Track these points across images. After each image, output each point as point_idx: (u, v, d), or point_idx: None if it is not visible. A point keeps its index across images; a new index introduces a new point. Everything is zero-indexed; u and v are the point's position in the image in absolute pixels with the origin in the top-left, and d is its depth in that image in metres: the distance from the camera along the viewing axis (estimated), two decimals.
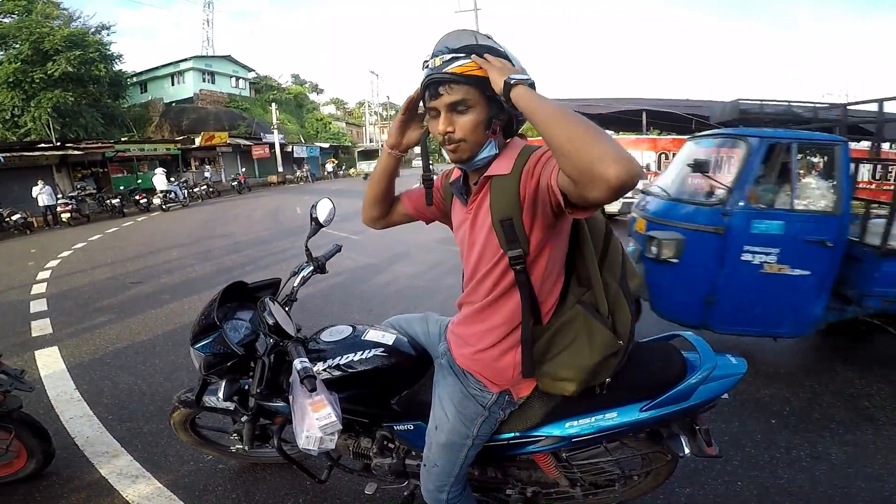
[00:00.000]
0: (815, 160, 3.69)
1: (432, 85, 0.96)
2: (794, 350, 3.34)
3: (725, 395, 1.26)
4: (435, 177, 1.27)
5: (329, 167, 30.85)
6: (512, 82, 0.86)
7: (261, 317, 1.36)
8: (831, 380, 2.89)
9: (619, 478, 1.52)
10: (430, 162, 1.17)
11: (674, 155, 13.96)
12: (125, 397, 2.87)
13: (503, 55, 0.97)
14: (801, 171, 3.18)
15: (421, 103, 1.05)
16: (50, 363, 3.41)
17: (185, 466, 2.18)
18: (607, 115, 15.21)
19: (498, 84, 0.89)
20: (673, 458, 1.45)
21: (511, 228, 1.01)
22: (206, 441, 2.11)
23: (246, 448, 1.69)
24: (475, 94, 0.95)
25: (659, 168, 13.68)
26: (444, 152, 1.07)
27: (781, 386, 2.80)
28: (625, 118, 15.08)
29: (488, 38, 0.99)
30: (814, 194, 2.94)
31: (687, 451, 1.28)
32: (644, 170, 9.13)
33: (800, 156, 3.00)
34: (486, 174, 1.05)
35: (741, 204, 2.80)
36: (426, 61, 0.98)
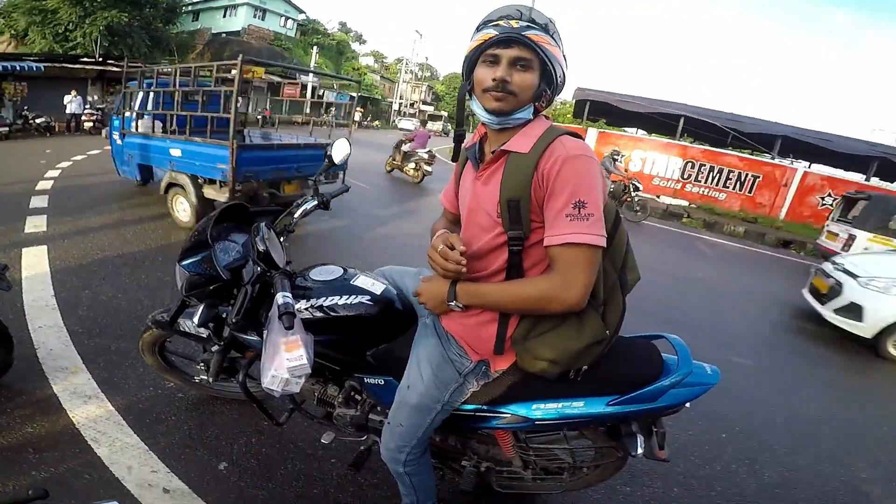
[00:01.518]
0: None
1: (504, 41, 0.98)
2: (762, 372, 3.47)
3: (688, 405, 1.26)
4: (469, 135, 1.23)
5: (357, 116, 30.87)
6: (451, 304, 1.13)
7: (252, 241, 1.31)
8: (785, 405, 3.00)
9: (569, 467, 1.55)
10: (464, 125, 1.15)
11: (700, 165, 13.40)
12: (101, 310, 2.81)
13: (558, 44, 1.02)
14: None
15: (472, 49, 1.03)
16: (34, 263, 3.33)
17: (144, 391, 2.14)
18: (645, 114, 14.98)
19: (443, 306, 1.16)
20: (624, 456, 1.46)
21: (517, 210, 1.02)
22: (170, 367, 2.09)
23: (210, 380, 1.67)
24: (538, 64, 1.01)
25: (682, 176, 13.52)
26: (476, 105, 1.06)
27: (742, 403, 2.90)
28: (661, 120, 14.92)
29: (552, 22, 1.01)
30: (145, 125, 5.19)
31: (640, 451, 1.27)
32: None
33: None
34: (504, 147, 1.05)
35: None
36: (491, 21, 1.00)
